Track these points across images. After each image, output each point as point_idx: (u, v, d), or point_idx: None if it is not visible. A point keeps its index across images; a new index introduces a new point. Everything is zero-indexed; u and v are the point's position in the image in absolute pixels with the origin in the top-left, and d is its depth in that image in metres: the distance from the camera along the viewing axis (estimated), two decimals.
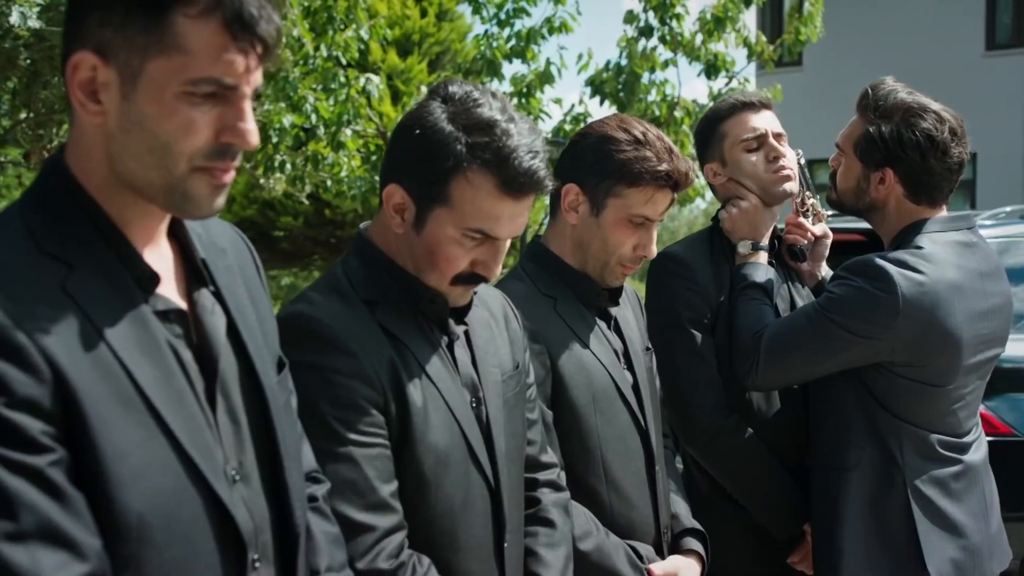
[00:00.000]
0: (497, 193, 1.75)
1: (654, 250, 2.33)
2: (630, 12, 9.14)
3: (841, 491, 2.53)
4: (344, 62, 8.23)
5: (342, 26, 8.23)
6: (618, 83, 9.13)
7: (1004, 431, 4.44)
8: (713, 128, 2.87)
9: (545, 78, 8.91)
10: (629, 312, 2.47)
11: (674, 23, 9.00)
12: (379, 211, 1.90)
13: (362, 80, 8.24)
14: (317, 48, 8.07)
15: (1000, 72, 18.50)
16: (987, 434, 4.36)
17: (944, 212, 2.63)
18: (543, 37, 8.89)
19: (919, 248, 2.50)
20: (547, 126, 9.19)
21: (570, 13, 8.85)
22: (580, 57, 9.21)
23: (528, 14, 8.92)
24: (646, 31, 9.07)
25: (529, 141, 1.76)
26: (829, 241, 2.94)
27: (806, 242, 2.95)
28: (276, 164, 8.58)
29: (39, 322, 1.19)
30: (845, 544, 2.51)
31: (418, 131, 1.78)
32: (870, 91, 2.60)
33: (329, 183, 8.89)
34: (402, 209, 1.81)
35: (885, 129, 2.53)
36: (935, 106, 2.56)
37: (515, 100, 8.98)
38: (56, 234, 1.27)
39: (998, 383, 4.56)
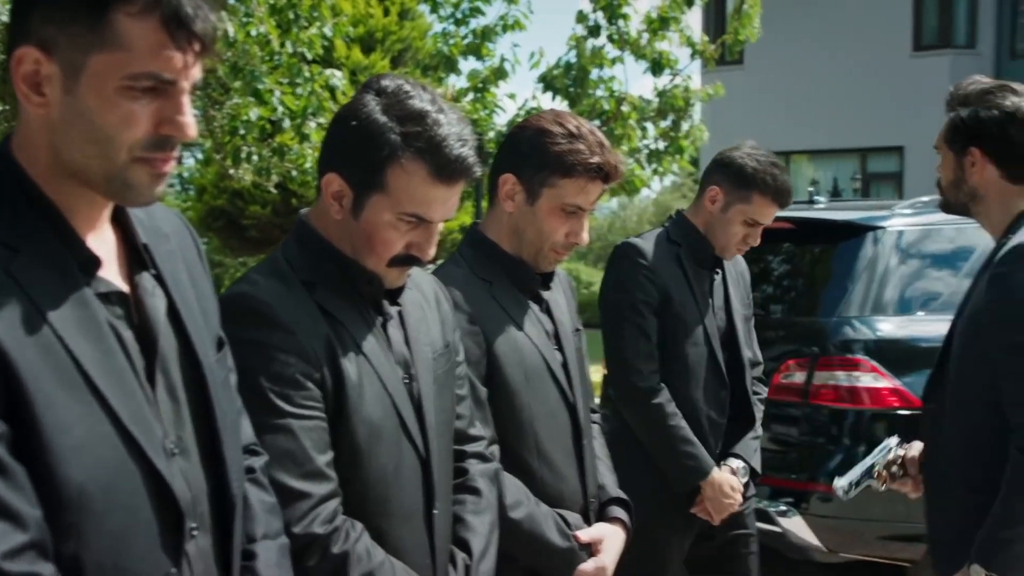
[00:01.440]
0: (430, 179, 1.78)
1: (586, 237, 2.36)
2: (580, 12, 9.16)
3: None
4: (309, 58, 8.18)
5: (307, 23, 8.19)
6: (568, 79, 9.15)
7: (919, 405, 4.49)
8: (745, 182, 3.09)
9: (500, 74, 8.94)
10: (560, 296, 2.50)
11: (621, 23, 9.03)
12: (318, 199, 1.91)
13: (327, 75, 8.19)
14: (283, 44, 8.02)
15: (926, 71, 18.70)
16: (903, 409, 4.52)
17: None
18: (497, 35, 8.89)
19: None
20: (502, 120, 9.19)
21: (523, 11, 8.86)
22: (532, 55, 9.21)
23: (483, 13, 8.93)
24: (595, 30, 9.08)
25: (459, 130, 1.79)
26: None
27: None
28: (244, 155, 8.53)
29: None
30: None
31: (354, 122, 1.80)
32: (953, 88, 2.56)
33: (295, 173, 8.85)
34: (340, 196, 1.83)
35: (964, 112, 2.48)
36: (1014, 85, 2.50)
37: (471, 95, 8.99)
38: (2, 220, 1.28)
39: (913, 361, 4.65)
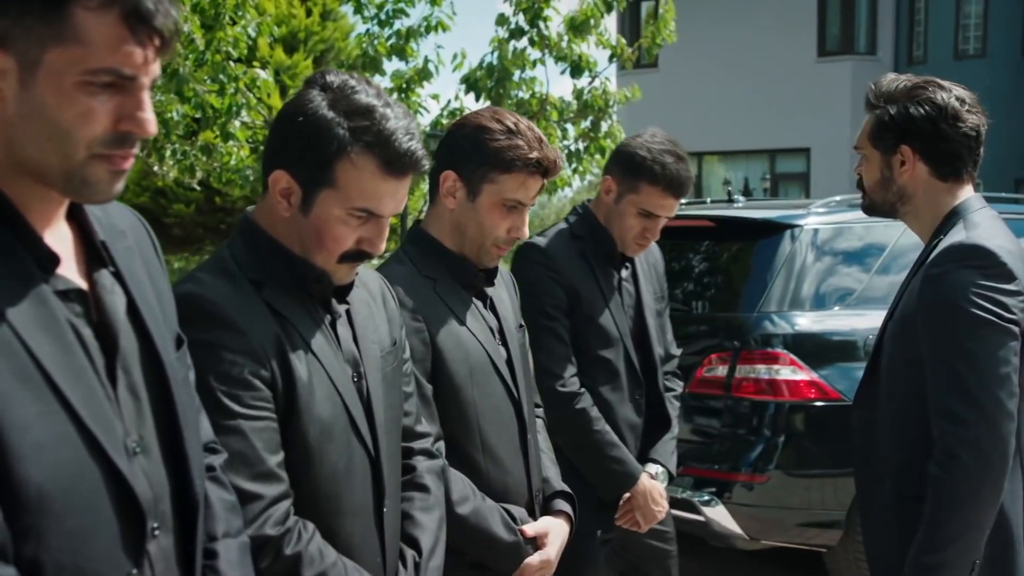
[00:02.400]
0: (380, 173, 1.74)
1: (526, 232, 2.35)
2: (501, 15, 9.14)
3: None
4: (234, 57, 8.04)
5: (231, 22, 8.04)
6: (491, 80, 9.11)
7: (835, 397, 4.58)
8: (634, 171, 2.90)
9: (423, 75, 8.87)
10: (504, 292, 2.48)
11: (542, 25, 9.04)
12: (263, 196, 1.86)
13: (252, 73, 8.06)
14: (208, 43, 7.86)
15: (830, 76, 19.13)
16: (819, 400, 4.59)
17: (971, 190, 2.40)
18: (422, 36, 8.83)
19: (976, 224, 2.28)
20: (425, 120, 9.13)
21: (447, 13, 8.81)
22: (456, 56, 9.16)
23: (407, 14, 8.85)
24: (517, 32, 9.07)
25: (406, 124, 1.76)
26: None
27: None
28: (168, 153, 8.36)
29: None
30: None
31: (301, 119, 1.75)
32: (872, 86, 2.42)
33: (219, 171, 8.69)
34: (288, 193, 1.78)
35: (892, 109, 2.34)
36: (938, 81, 2.37)
37: (395, 95, 8.91)
38: None
39: (829, 354, 4.73)
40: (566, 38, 9.07)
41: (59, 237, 1.31)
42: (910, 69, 19.37)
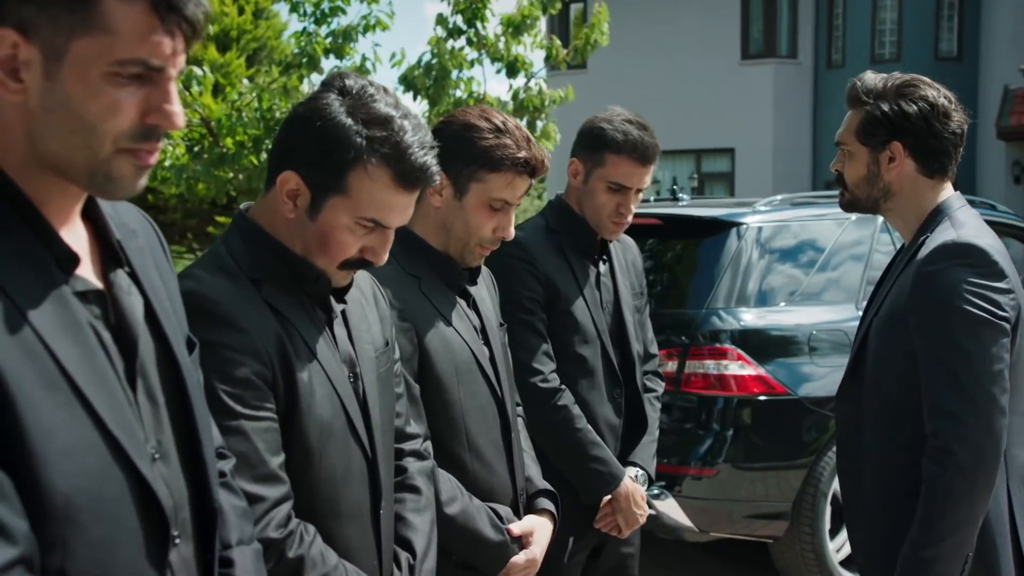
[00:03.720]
0: (393, 186, 1.69)
1: (512, 232, 2.30)
2: (440, 15, 9.09)
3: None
4: None
5: None
6: (428, 80, 9.05)
7: (781, 391, 4.63)
8: (596, 144, 2.82)
9: (361, 74, 8.75)
10: (484, 291, 2.44)
11: (479, 25, 9.00)
12: (264, 194, 1.80)
13: (188, 70, 7.88)
14: None
15: (753, 78, 19.41)
16: (765, 395, 4.63)
17: (952, 188, 2.39)
18: (359, 34, 8.73)
19: (963, 223, 2.27)
20: None
21: (385, 12, 8.72)
22: (394, 55, 9.09)
23: (344, 12, 8.75)
24: (455, 32, 9.03)
25: (421, 137, 1.71)
26: None
27: None
28: None
29: None
30: None
31: (319, 122, 1.69)
32: (857, 83, 2.38)
33: (154, 169, 8.49)
34: (296, 195, 1.72)
35: (884, 106, 2.30)
36: (923, 79, 2.35)
37: None
38: None
39: (775, 348, 4.78)
40: (503, 39, 9.08)
41: (75, 235, 1.24)
42: (829, 72, 19.77)
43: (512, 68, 9.21)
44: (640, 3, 18.68)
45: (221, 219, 13.35)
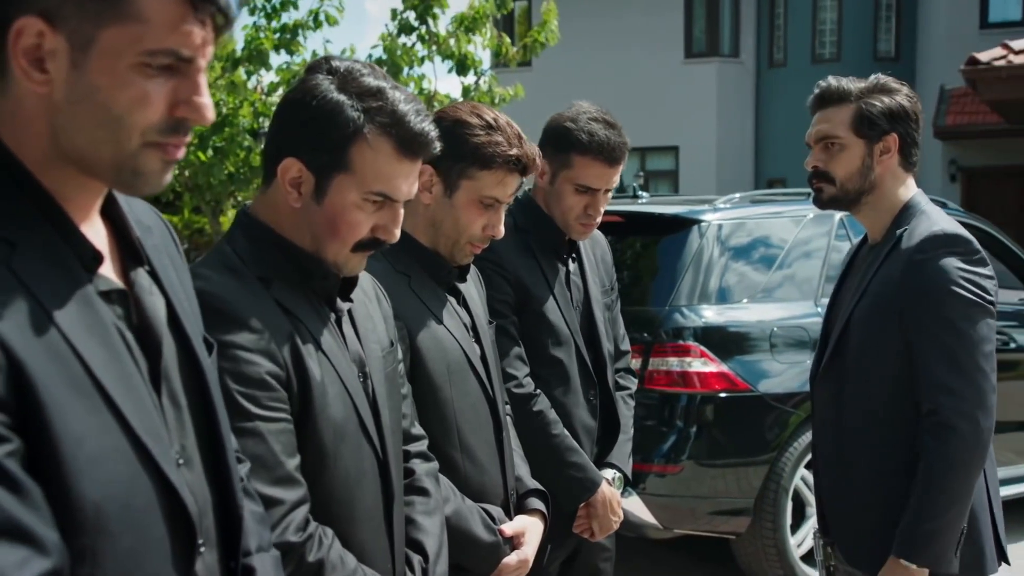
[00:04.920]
0: (396, 155, 1.67)
1: (502, 230, 2.27)
2: (393, 10, 9.03)
3: None
4: None
5: None
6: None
7: (743, 388, 4.66)
8: (562, 145, 2.72)
9: None
10: (473, 288, 2.40)
11: (431, 22, 8.96)
12: (264, 190, 1.75)
13: None
14: None
15: (696, 77, 19.57)
16: (728, 391, 4.66)
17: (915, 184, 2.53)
18: (309, 30, 8.63)
19: (940, 216, 2.39)
20: None
21: (335, 7, 8.63)
22: (344, 51, 9.00)
23: (295, 7, 8.65)
24: (406, 29, 8.97)
25: (416, 105, 1.69)
26: None
27: None
28: None
29: None
30: None
31: (312, 102, 1.65)
32: (833, 83, 2.46)
33: None
34: (299, 183, 1.68)
35: (877, 101, 2.41)
36: (895, 81, 2.49)
37: (282, 90, 8.70)
38: None
39: (738, 345, 4.81)
40: (454, 36, 9.04)
41: (95, 233, 1.18)
42: (771, 72, 20.00)
43: (462, 66, 9.18)
44: (585, 1, 18.73)
45: (166, 216, 13.11)
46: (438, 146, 1.74)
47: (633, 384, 3.13)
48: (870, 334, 2.40)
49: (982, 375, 2.27)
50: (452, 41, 9.04)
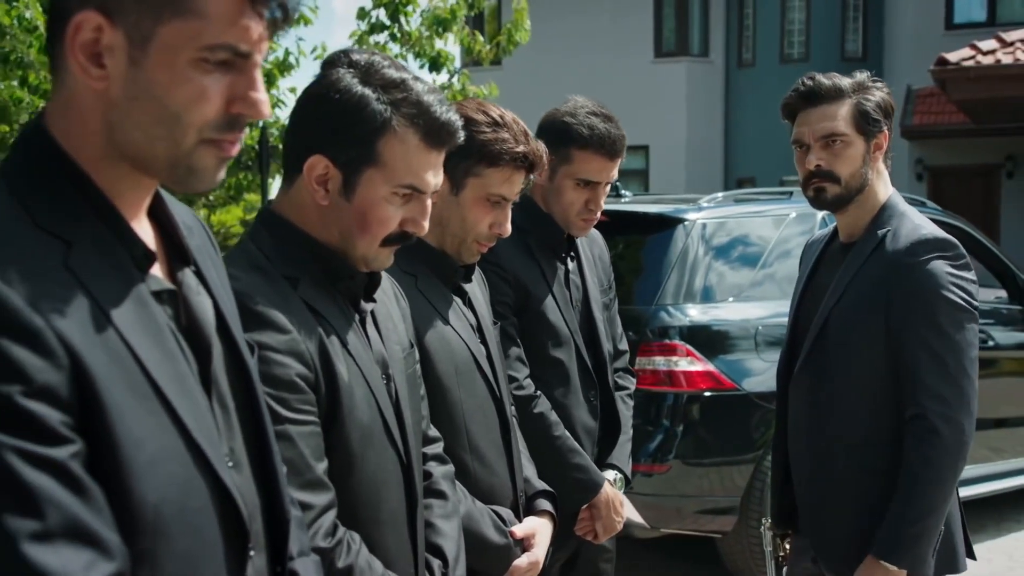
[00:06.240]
0: (423, 146, 1.66)
1: (509, 228, 2.25)
2: (361, 9, 8.98)
3: None
4: None
5: None
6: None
7: (729, 386, 4.68)
8: (562, 140, 2.68)
9: (284, 67, 8.65)
10: (477, 288, 2.38)
11: (403, 20, 8.92)
12: (286, 187, 1.73)
13: None
14: None
15: (666, 76, 19.63)
16: (714, 390, 4.67)
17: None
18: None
19: (922, 219, 2.42)
20: (283, 113, 8.86)
21: (309, 6, 8.56)
22: (316, 48, 8.96)
23: None
24: (377, 27, 8.93)
25: (438, 95, 1.68)
26: None
27: None
28: (10, 141, 7.90)
29: (52, 303, 0.99)
30: None
31: (337, 97, 1.63)
32: (823, 79, 2.43)
33: None
34: (325, 180, 1.65)
35: (871, 97, 2.41)
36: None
37: None
38: (49, 208, 1.06)
39: (721, 344, 4.82)
40: (426, 34, 9.00)
41: (144, 232, 1.16)
42: (740, 71, 20.11)
43: (435, 63, 9.15)
44: (554, 0, 18.75)
45: None
46: (462, 136, 1.72)
47: (632, 384, 3.11)
48: (852, 334, 2.40)
49: (968, 380, 2.30)
50: (425, 39, 9.00)
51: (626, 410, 3.00)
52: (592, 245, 3.04)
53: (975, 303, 2.34)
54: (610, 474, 2.84)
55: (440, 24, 8.93)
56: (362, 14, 9.01)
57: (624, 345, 3.14)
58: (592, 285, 2.93)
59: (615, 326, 3.08)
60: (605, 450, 2.91)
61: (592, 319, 2.89)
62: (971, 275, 2.36)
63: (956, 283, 2.31)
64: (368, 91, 1.63)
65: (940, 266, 2.31)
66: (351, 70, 1.65)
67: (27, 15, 7.28)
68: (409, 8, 8.87)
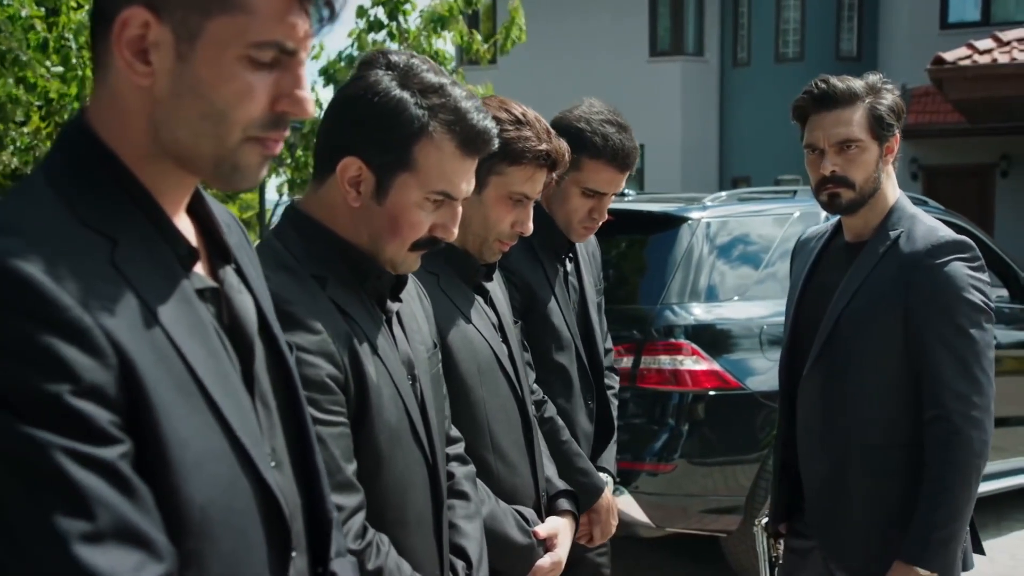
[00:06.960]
0: (458, 153, 1.64)
1: (530, 227, 2.23)
2: (360, 7, 8.96)
3: None
4: (76, 44, 7.58)
5: (76, 5, 7.58)
6: (350, 72, 8.90)
7: (735, 385, 4.67)
8: (580, 145, 2.61)
9: None
10: (497, 287, 2.37)
11: (401, 18, 8.91)
12: (315, 186, 1.71)
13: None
14: (50, 29, 7.43)
15: (661, 75, 19.63)
16: (720, 389, 4.66)
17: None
18: None
19: (935, 220, 2.43)
20: None
21: None
22: (314, 48, 8.92)
23: None
24: (375, 25, 8.91)
25: (476, 102, 1.66)
26: None
27: None
28: (7, 140, 7.86)
29: (100, 301, 0.97)
30: None
31: (375, 99, 1.60)
32: (837, 82, 2.40)
33: None
34: (358, 182, 1.63)
35: (884, 100, 2.40)
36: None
37: None
38: (94, 206, 1.04)
39: (726, 343, 4.81)
40: (424, 32, 8.99)
41: (186, 229, 1.15)
42: (735, 71, 20.11)
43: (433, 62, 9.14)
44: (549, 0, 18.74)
45: None
46: (496, 143, 1.70)
47: (616, 382, 3.07)
48: (867, 335, 2.39)
49: (988, 381, 2.32)
50: (423, 38, 8.99)
51: (614, 411, 2.98)
52: (587, 244, 3.01)
53: (992, 305, 2.36)
54: (604, 477, 2.82)
55: (438, 22, 8.92)
56: (361, 12, 9.01)
57: (609, 343, 3.11)
58: (588, 286, 2.92)
59: (602, 324, 3.05)
60: (596, 452, 2.89)
61: (588, 321, 2.87)
62: (986, 276, 2.38)
63: (975, 285, 2.33)
64: (406, 95, 1.61)
65: (959, 268, 2.33)
66: (389, 72, 1.63)
67: (23, 13, 7.25)
68: (407, 6, 8.86)
